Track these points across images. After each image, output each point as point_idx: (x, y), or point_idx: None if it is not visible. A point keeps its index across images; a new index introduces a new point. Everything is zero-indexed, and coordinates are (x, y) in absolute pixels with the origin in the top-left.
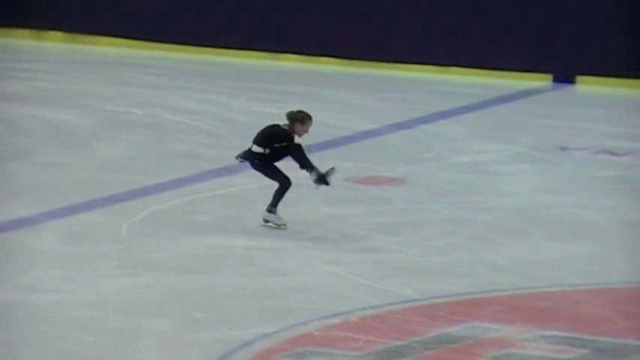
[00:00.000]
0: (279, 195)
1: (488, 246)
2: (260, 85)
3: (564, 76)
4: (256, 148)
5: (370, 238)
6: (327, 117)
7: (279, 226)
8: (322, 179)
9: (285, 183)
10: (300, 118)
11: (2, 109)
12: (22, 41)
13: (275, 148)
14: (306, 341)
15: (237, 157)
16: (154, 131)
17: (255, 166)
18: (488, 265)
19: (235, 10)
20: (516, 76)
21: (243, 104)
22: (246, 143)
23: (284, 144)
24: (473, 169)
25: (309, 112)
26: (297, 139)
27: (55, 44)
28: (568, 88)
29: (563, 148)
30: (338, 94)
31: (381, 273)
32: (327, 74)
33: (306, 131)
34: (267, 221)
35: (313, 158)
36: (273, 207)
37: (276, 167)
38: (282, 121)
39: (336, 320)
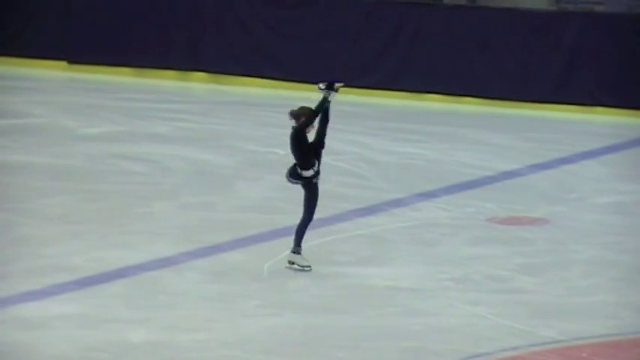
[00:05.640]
0: (301, 232)
1: (631, 287)
2: (402, 125)
3: None
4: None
5: (512, 278)
6: (470, 157)
7: (303, 268)
8: (330, 87)
9: (308, 218)
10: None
11: (147, 150)
12: (168, 82)
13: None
14: None
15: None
16: None
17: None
18: (632, 307)
19: (378, 51)
20: None
21: (385, 144)
22: (388, 184)
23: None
24: (616, 210)
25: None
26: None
27: (199, 85)
28: None
29: None
30: (480, 134)
31: (523, 314)
32: (469, 114)
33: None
34: (291, 263)
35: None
36: (298, 247)
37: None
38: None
39: None
